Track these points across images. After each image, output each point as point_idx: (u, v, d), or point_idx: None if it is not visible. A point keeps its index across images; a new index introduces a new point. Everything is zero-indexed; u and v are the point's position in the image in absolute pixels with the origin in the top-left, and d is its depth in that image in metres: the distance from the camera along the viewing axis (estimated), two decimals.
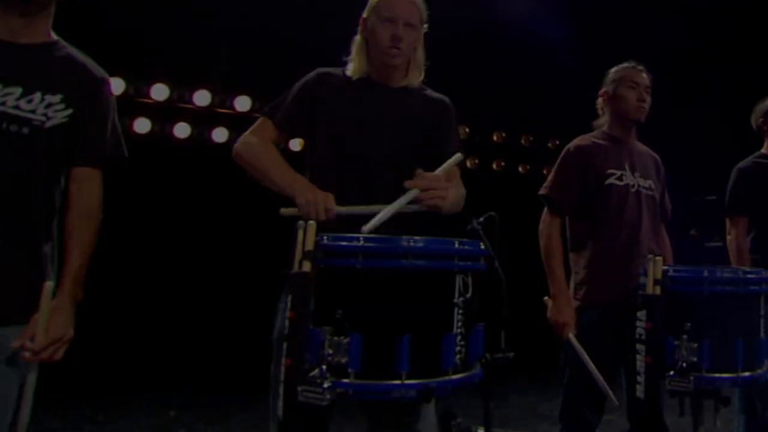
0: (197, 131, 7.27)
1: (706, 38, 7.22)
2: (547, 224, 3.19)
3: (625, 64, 3.31)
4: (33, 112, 2.04)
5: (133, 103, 7.01)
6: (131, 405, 5.51)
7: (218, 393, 5.92)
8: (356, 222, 1.96)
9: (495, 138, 8.62)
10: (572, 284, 3.23)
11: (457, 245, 1.82)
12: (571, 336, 2.99)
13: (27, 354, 1.92)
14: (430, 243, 1.79)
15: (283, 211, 2.12)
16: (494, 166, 8.66)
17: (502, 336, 1.83)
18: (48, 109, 2.06)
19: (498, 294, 1.87)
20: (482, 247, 1.90)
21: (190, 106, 7.24)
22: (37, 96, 2.05)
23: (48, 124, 2.04)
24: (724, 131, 4.41)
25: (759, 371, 2.51)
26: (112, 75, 7.48)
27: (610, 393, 2.92)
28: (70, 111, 2.10)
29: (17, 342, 1.93)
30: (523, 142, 8.79)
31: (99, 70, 2.23)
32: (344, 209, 2.09)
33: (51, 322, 1.94)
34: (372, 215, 1.98)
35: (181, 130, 7.21)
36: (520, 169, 8.96)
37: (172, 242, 6.98)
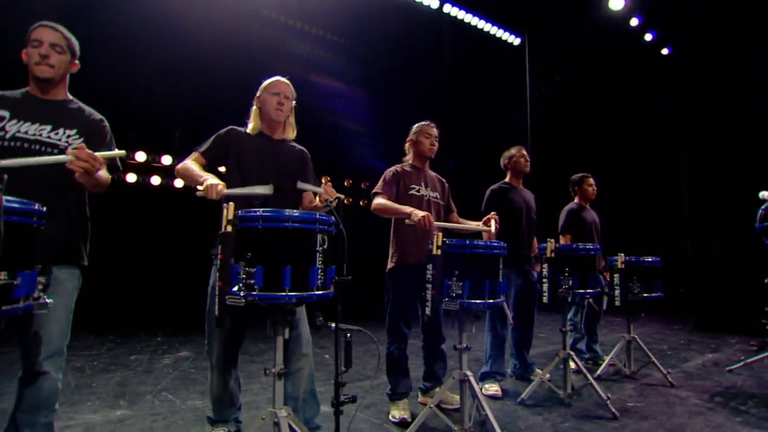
0: (165, 181, 7.39)
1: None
2: (377, 202, 3.23)
3: (423, 122, 3.48)
4: (59, 140, 2.18)
5: (125, 165, 7.05)
6: (134, 333, 6.21)
7: (188, 327, 6.52)
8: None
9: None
10: (390, 254, 3.32)
11: (318, 216, 2.00)
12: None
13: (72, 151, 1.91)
14: (303, 214, 1.97)
15: (199, 193, 2.20)
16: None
17: (344, 267, 2.04)
18: (68, 138, 2.20)
19: (341, 243, 2.04)
20: (333, 219, 2.06)
21: (160, 165, 7.38)
22: (61, 130, 2.19)
23: (69, 148, 2.13)
24: (489, 169, 5.05)
25: (498, 299, 2.69)
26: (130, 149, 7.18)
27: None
28: (81, 139, 2.21)
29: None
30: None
31: (98, 115, 2.33)
32: (228, 191, 2.20)
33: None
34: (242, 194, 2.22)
35: (156, 180, 7.32)
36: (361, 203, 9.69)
37: (169, 246, 7.29)
